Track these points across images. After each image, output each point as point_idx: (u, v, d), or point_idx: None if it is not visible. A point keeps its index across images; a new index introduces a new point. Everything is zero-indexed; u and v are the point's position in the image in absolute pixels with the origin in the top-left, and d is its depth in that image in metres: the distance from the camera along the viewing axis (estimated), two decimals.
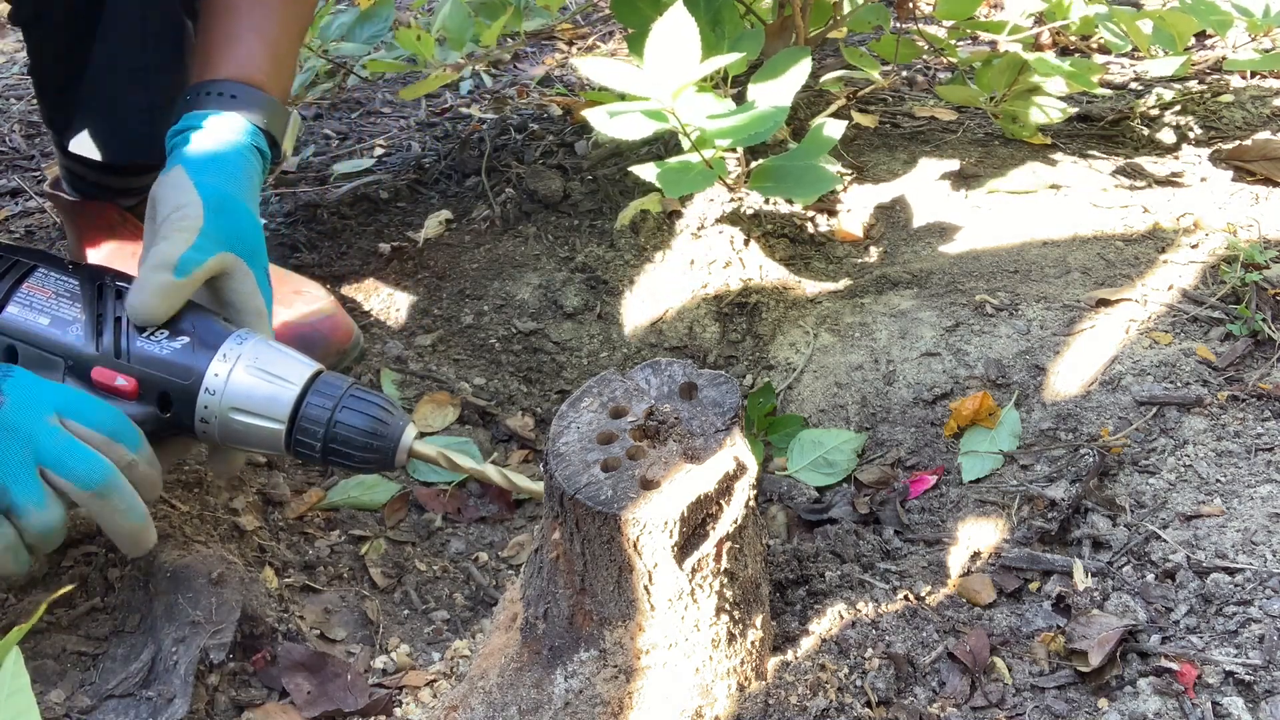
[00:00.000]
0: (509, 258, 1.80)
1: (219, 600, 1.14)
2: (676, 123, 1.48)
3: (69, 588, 1.16)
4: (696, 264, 1.75)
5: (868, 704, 1.03)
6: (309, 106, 2.54)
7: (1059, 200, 1.83)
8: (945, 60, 2.30)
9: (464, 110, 2.49)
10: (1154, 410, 1.34)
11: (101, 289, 1.12)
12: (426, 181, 2.06)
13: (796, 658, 1.07)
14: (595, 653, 0.99)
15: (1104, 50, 2.48)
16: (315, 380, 1.11)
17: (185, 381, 1.09)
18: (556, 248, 1.82)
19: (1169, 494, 1.24)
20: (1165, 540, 1.17)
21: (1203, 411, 1.33)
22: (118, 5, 1.50)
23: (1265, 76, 2.29)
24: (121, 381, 1.08)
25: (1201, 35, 2.47)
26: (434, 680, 1.18)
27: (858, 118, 2.07)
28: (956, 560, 1.25)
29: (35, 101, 2.60)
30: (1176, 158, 1.98)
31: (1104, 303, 1.53)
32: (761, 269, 1.74)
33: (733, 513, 0.96)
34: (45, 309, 1.10)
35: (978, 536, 1.28)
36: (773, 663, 1.06)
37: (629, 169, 1.73)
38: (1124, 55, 2.47)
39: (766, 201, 1.80)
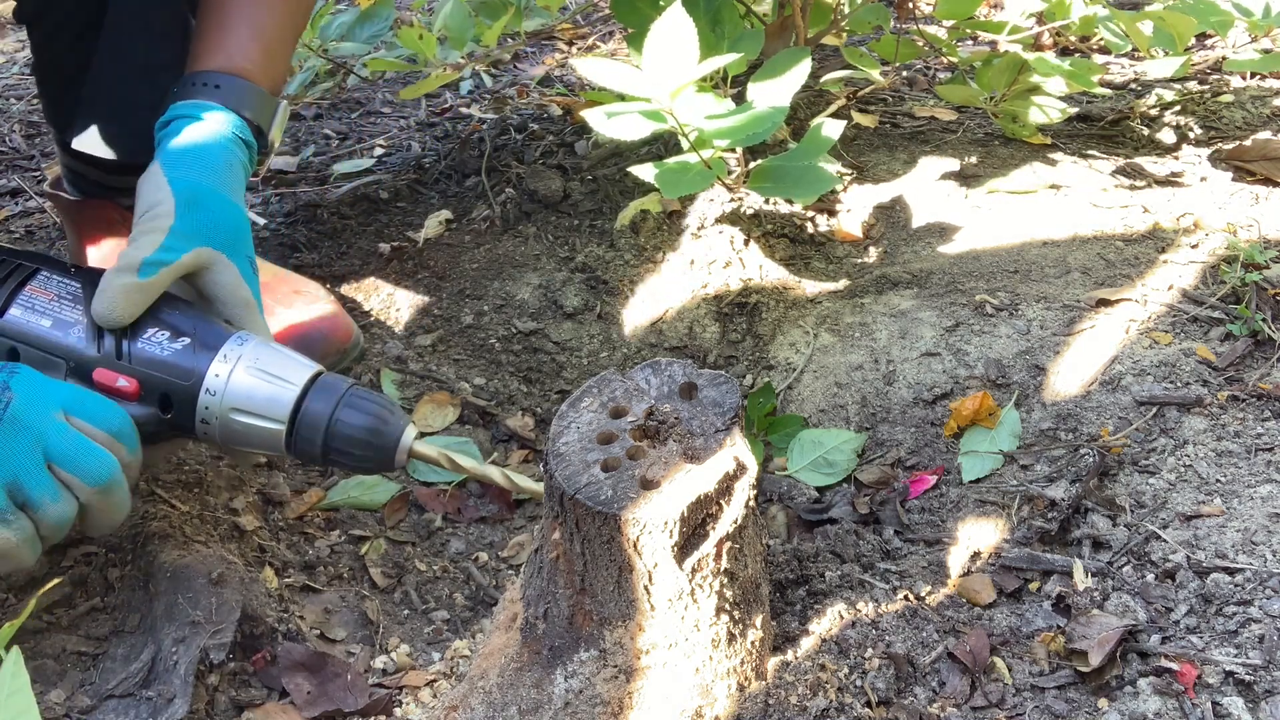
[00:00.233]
0: (509, 258, 1.80)
1: (219, 600, 1.14)
2: (675, 123, 1.48)
3: (57, 581, 1.16)
4: (696, 264, 1.75)
5: (868, 704, 1.03)
6: (309, 106, 2.54)
7: (1059, 200, 1.83)
8: (945, 60, 2.30)
9: (464, 110, 2.49)
10: (1154, 410, 1.34)
11: None
12: (426, 181, 2.06)
13: (796, 658, 1.07)
14: (595, 653, 0.99)
15: (1104, 50, 2.48)
16: (315, 381, 1.12)
17: (186, 382, 1.09)
18: (556, 248, 1.82)
19: (1169, 494, 1.24)
20: (1165, 540, 1.17)
21: (1203, 411, 1.33)
22: (122, 2, 1.50)
23: (1265, 77, 2.29)
24: (123, 383, 1.08)
25: (1201, 35, 2.47)
26: (434, 680, 1.18)
27: (858, 118, 2.07)
28: (956, 560, 1.25)
29: (35, 101, 2.61)
30: (1176, 158, 1.98)
31: (1104, 303, 1.53)
32: (761, 269, 1.74)
33: (733, 513, 0.96)
34: (47, 311, 1.10)
35: (978, 536, 1.28)
36: (773, 663, 1.06)
37: (628, 169, 1.74)
38: (1124, 55, 2.47)
39: (766, 201, 1.80)
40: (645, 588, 0.95)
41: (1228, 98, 2.18)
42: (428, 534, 1.42)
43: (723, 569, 0.96)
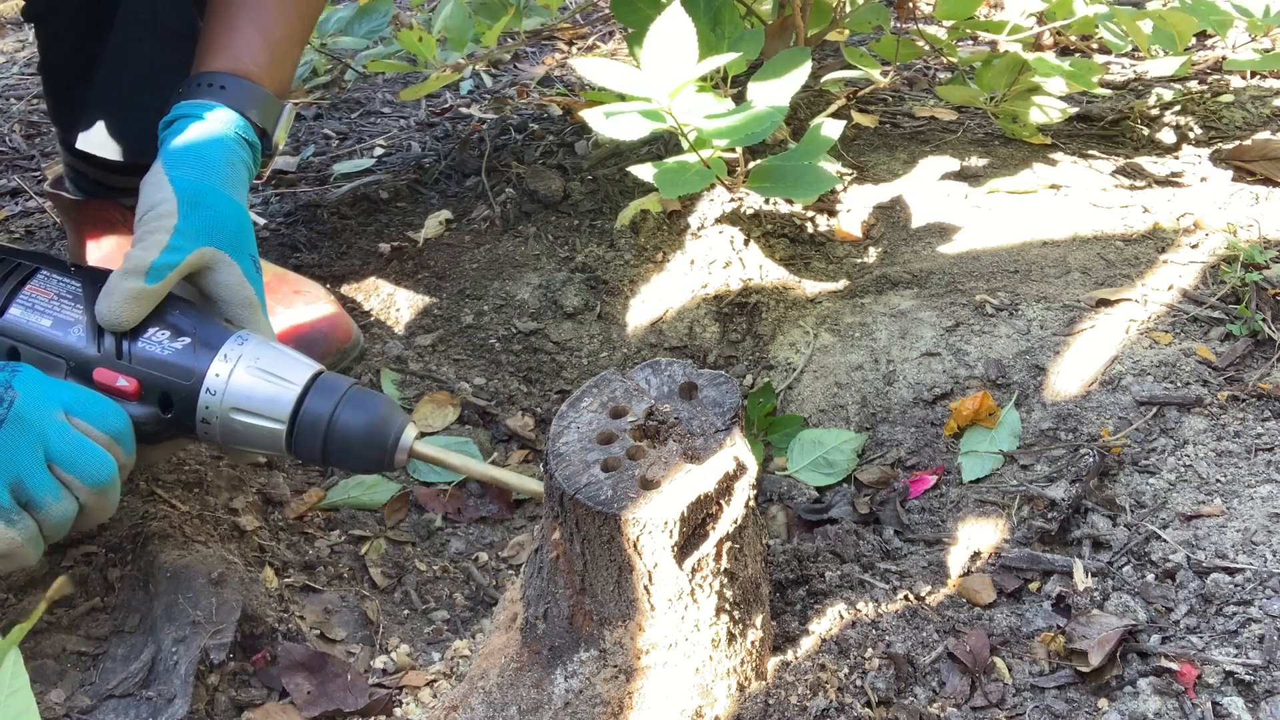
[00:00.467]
0: (509, 258, 1.80)
1: (219, 600, 1.14)
2: (674, 123, 1.48)
3: (62, 580, 1.16)
4: (696, 264, 1.75)
5: (868, 704, 1.03)
6: (309, 106, 2.54)
7: (1059, 200, 1.83)
8: (945, 60, 2.30)
9: (464, 110, 2.49)
10: (1154, 410, 1.34)
11: None
12: (426, 181, 2.06)
13: (796, 658, 1.07)
14: (595, 653, 0.99)
15: (1104, 50, 2.48)
16: (316, 380, 1.12)
17: (186, 382, 1.09)
18: (556, 248, 1.82)
19: (1169, 494, 1.24)
20: (1165, 540, 1.17)
21: (1203, 411, 1.33)
22: (131, 4, 1.50)
23: (1265, 76, 2.29)
24: (123, 382, 1.08)
25: (1202, 35, 2.47)
26: (434, 680, 1.18)
27: (858, 118, 2.07)
28: (956, 560, 1.26)
29: (35, 101, 2.61)
30: (1176, 158, 1.98)
31: (1104, 303, 1.53)
32: (761, 269, 1.74)
33: (733, 513, 0.96)
34: (47, 311, 1.10)
35: (978, 536, 1.28)
36: (773, 663, 1.06)
37: (628, 169, 1.73)
38: (1124, 55, 2.47)
39: (766, 201, 1.80)
40: (645, 588, 0.95)
41: (1228, 98, 2.18)
42: (428, 534, 1.42)
43: (723, 569, 0.96)
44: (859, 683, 1.05)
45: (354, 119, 2.53)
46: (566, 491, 0.95)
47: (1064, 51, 2.48)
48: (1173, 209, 1.78)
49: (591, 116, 1.52)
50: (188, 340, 1.10)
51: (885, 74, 2.06)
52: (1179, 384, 1.37)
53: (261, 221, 1.94)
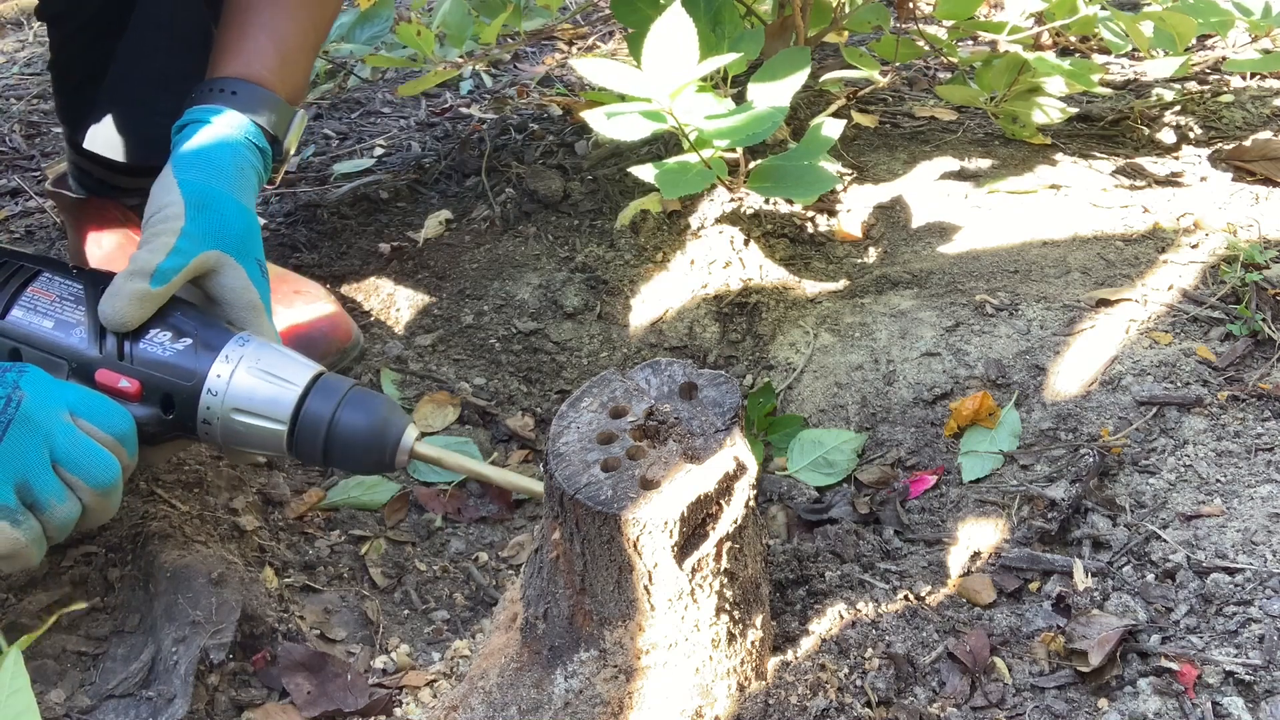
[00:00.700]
0: (509, 258, 1.80)
1: (219, 600, 1.14)
2: (675, 123, 1.48)
3: (80, 605, 1.16)
4: (696, 264, 1.75)
5: (868, 704, 1.03)
6: (309, 106, 2.54)
7: (1059, 200, 1.83)
8: (945, 60, 2.30)
9: (464, 110, 2.49)
10: (1154, 410, 1.34)
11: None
12: (426, 181, 2.06)
13: (796, 658, 1.07)
14: (595, 653, 0.99)
15: (1104, 50, 2.48)
16: (317, 381, 1.12)
17: (188, 383, 1.09)
18: (556, 248, 1.82)
19: (1169, 494, 1.24)
20: (1165, 540, 1.17)
21: (1203, 411, 1.33)
22: (148, 8, 1.50)
23: (1265, 77, 2.29)
24: (125, 384, 1.08)
25: (1202, 35, 2.47)
26: (434, 680, 1.18)
27: (858, 118, 2.07)
28: (956, 560, 1.26)
29: (35, 101, 2.61)
30: (1176, 158, 1.98)
31: (1104, 303, 1.53)
32: (761, 269, 1.74)
33: (733, 513, 0.96)
34: (49, 312, 1.10)
35: (978, 536, 1.28)
36: (773, 663, 1.06)
37: (628, 169, 1.74)
38: (1124, 55, 2.47)
39: (766, 201, 1.80)
40: (645, 588, 0.95)
41: (1228, 98, 2.18)
42: (428, 534, 1.42)
43: (723, 569, 0.96)
44: (859, 683, 1.05)
45: (354, 119, 2.53)
46: (566, 491, 0.95)
47: (1064, 51, 2.48)
48: (1173, 209, 1.78)
49: (593, 117, 1.52)
50: (189, 342, 1.10)
51: (885, 74, 2.06)
52: (1179, 384, 1.37)
53: (261, 222, 1.94)
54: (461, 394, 1.59)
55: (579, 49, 2.88)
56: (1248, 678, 1.00)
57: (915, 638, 1.11)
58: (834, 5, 2.03)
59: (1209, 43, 2.50)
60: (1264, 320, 1.43)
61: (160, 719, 1.06)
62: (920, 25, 2.20)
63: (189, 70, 1.32)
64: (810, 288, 1.73)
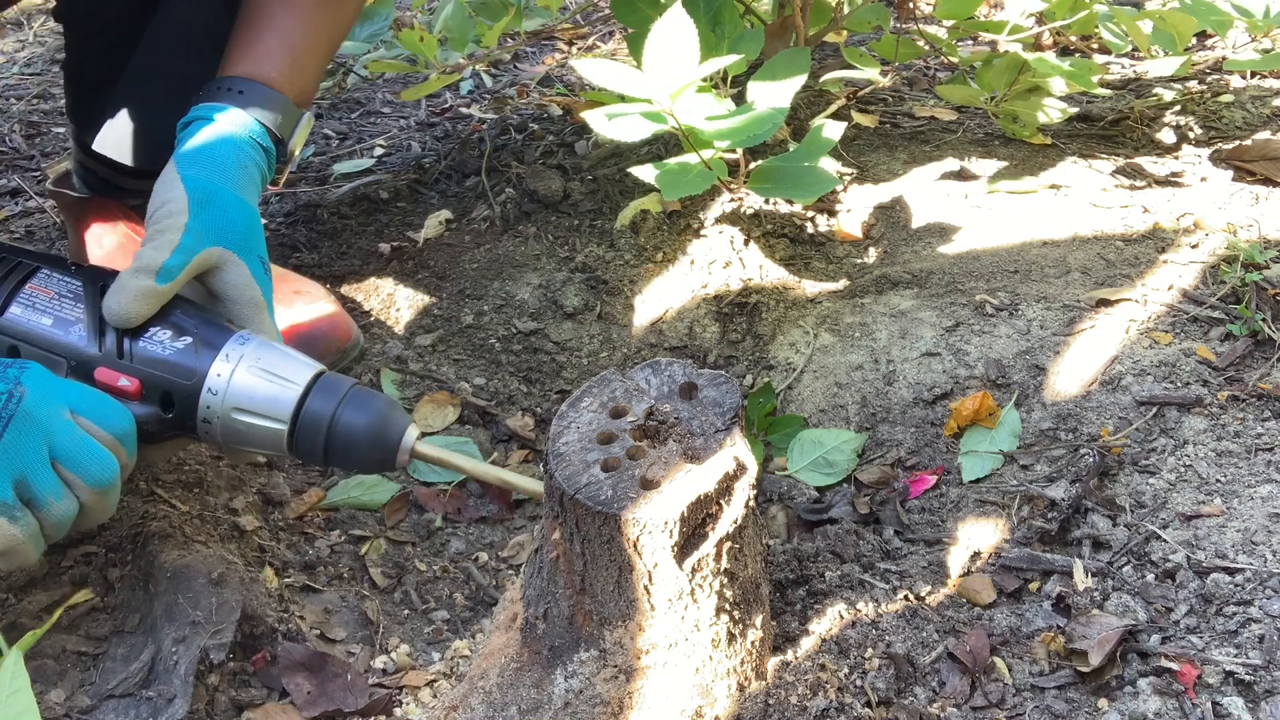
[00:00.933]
0: (509, 258, 1.80)
1: (219, 600, 1.14)
2: (675, 124, 1.48)
3: (84, 592, 1.16)
4: (696, 264, 1.75)
5: (868, 704, 1.03)
6: (309, 106, 2.54)
7: (1059, 200, 1.83)
8: (945, 60, 2.30)
9: (464, 110, 2.49)
10: (1154, 410, 1.34)
11: (104, 290, 1.12)
12: (426, 181, 2.06)
13: (796, 658, 1.07)
14: (595, 653, 0.99)
15: (1104, 50, 2.48)
16: (317, 380, 1.12)
17: (188, 382, 1.09)
18: (556, 248, 1.82)
19: (1169, 494, 1.24)
20: (1165, 540, 1.17)
21: (1203, 411, 1.33)
22: (167, 15, 1.50)
23: (1265, 76, 2.29)
24: (124, 382, 1.08)
25: (1202, 35, 2.47)
26: (434, 680, 1.18)
27: (858, 118, 2.07)
28: (956, 560, 1.26)
29: (35, 102, 2.61)
30: (1176, 158, 1.98)
31: (1104, 303, 1.53)
32: (761, 269, 1.74)
33: (733, 513, 0.96)
34: (48, 310, 1.10)
35: (978, 536, 1.28)
36: (773, 663, 1.06)
37: (628, 169, 1.74)
38: (1124, 55, 2.47)
39: (766, 201, 1.80)
40: (645, 588, 0.95)
41: (1228, 98, 2.18)
42: (428, 534, 1.42)
43: (723, 569, 0.96)
44: (859, 683, 1.05)
45: (354, 119, 2.53)
46: (566, 491, 0.95)
47: (1064, 51, 2.48)
48: (1173, 209, 1.78)
49: (593, 118, 1.52)
50: (189, 340, 1.10)
51: (885, 74, 2.06)
52: (1179, 384, 1.37)
53: (258, 212, 1.94)
54: (461, 394, 1.59)
55: (579, 49, 2.88)
56: (1248, 678, 1.01)
57: (915, 638, 1.11)
58: (834, 5, 2.03)
59: (1209, 42, 2.50)
60: (1264, 320, 1.43)
61: (160, 719, 1.06)
62: (920, 25, 2.20)
63: (205, 78, 1.32)
64: (810, 288, 1.73)
